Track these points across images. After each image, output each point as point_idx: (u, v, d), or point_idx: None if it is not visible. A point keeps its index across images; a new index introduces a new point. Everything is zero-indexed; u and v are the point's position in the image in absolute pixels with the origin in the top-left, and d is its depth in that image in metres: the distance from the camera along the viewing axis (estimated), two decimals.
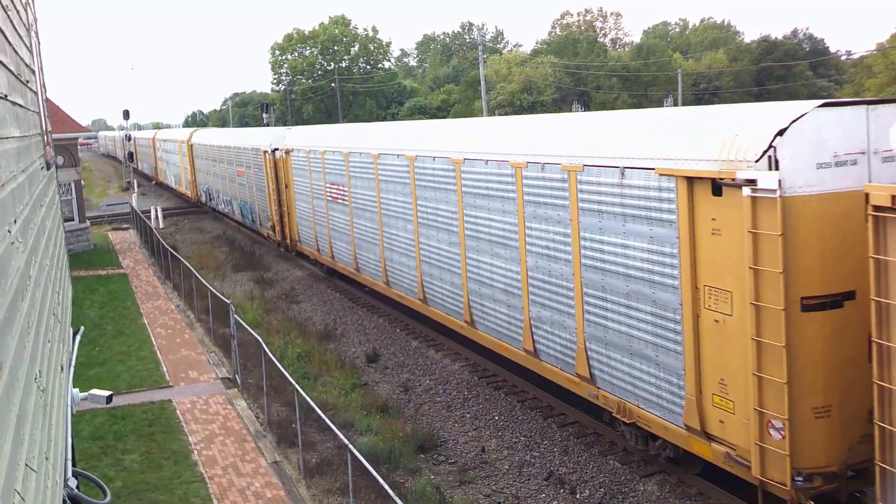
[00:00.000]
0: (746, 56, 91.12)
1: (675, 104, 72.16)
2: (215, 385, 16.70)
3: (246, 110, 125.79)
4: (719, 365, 9.74)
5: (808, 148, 8.78)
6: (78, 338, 10.27)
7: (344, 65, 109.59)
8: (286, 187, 28.02)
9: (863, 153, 8.97)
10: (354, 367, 17.93)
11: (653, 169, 10.48)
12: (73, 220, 32.75)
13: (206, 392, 16.25)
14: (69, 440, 6.85)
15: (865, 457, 8.86)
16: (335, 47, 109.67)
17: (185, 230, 41.69)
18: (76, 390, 8.08)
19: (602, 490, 11.93)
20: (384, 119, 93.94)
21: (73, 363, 9.14)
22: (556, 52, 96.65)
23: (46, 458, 4.77)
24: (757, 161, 8.88)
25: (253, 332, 15.82)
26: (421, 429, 14.25)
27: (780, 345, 8.75)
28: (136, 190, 52.10)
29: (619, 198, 11.22)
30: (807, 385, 8.88)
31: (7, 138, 5.05)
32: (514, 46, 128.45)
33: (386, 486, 9.18)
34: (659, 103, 78.15)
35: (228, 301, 18.00)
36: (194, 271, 22.61)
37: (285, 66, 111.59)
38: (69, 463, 6.27)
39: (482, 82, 60.00)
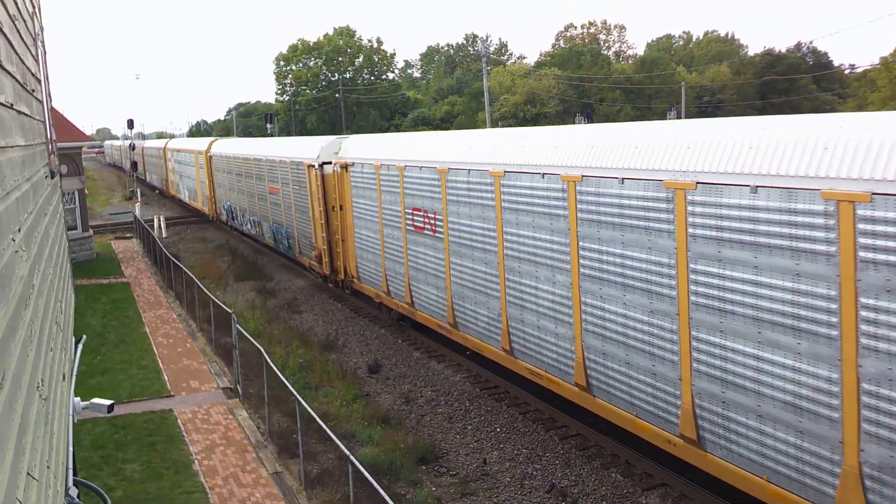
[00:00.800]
0: (750, 69, 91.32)
1: (679, 117, 72.26)
2: (216, 395, 16.68)
3: (250, 120, 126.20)
4: None
5: None
6: (80, 346, 10.28)
7: (348, 76, 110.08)
8: (339, 209, 23.23)
9: None
10: (356, 377, 17.90)
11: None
12: (76, 228, 32.81)
13: (207, 402, 16.23)
14: (70, 449, 6.85)
15: None
16: (339, 58, 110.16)
17: (188, 239, 41.74)
18: (78, 399, 8.09)
19: (604, 503, 11.88)
20: (387, 130, 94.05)
21: (75, 372, 9.15)
22: (560, 65, 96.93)
23: (48, 467, 4.77)
24: None
25: (254, 341, 15.81)
26: (422, 440, 14.21)
27: None
28: (139, 199, 52.10)
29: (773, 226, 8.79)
30: None
31: (12, 147, 5.07)
32: (518, 58, 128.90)
33: (387, 498, 9.15)
34: (662, 116, 78.29)
35: (230, 311, 18.00)
36: (196, 280, 22.62)
37: (290, 76, 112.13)
38: (70, 472, 6.26)
39: (486, 94, 60.13)
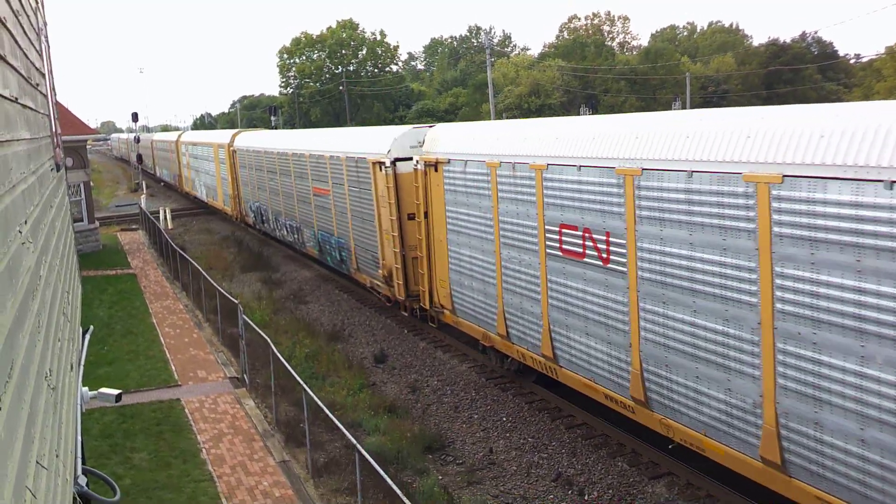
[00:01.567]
0: (755, 59, 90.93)
1: (684, 108, 72.04)
2: (224, 384, 16.76)
3: (254, 113, 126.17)
4: None
5: None
6: (87, 337, 10.34)
7: (352, 68, 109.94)
8: (422, 218, 17.76)
9: None
10: (362, 367, 17.96)
11: None
12: (82, 220, 32.90)
13: (214, 391, 16.31)
14: (79, 438, 6.90)
15: None
16: (343, 51, 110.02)
17: (194, 231, 41.82)
18: (86, 389, 8.14)
19: (610, 492, 11.93)
20: (392, 123, 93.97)
21: (83, 362, 9.21)
22: (564, 56, 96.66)
23: (57, 456, 4.82)
24: None
25: (261, 332, 15.87)
26: (428, 429, 14.27)
27: None
28: (145, 191, 52.18)
29: None
30: None
31: (17, 140, 5.10)
32: (522, 50, 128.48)
33: (394, 486, 9.20)
34: (667, 106, 78.07)
35: (237, 301, 18.06)
36: (203, 271, 22.68)
37: (293, 69, 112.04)
38: (79, 461, 6.32)
39: (490, 85, 60.02)
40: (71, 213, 15.50)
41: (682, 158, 10.14)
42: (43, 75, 8.93)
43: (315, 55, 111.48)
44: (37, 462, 3.74)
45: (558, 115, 74.39)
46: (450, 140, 16.77)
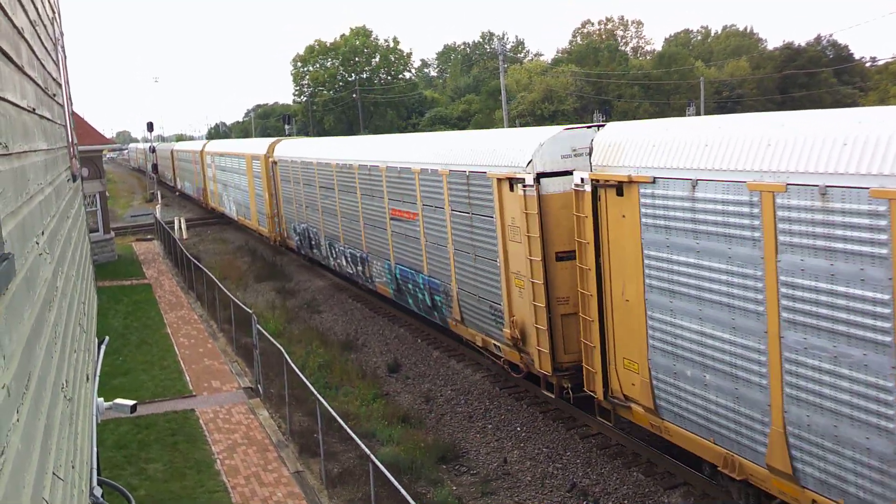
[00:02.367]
0: (769, 63, 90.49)
1: (698, 112, 71.78)
2: (238, 395, 16.78)
3: (268, 122, 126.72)
4: None
5: None
6: (103, 347, 10.38)
7: (365, 76, 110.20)
8: (591, 264, 12.52)
9: None
10: (376, 377, 17.94)
11: None
12: (97, 231, 33.11)
13: (228, 401, 16.33)
14: (94, 449, 6.91)
15: None
16: (356, 58, 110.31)
17: (209, 241, 42.00)
18: (101, 399, 8.17)
19: (626, 502, 11.84)
20: (405, 130, 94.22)
21: (98, 373, 9.23)
22: (578, 61, 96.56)
23: (73, 467, 4.82)
24: None
25: (275, 341, 15.89)
26: (442, 439, 14.22)
27: None
28: (160, 201, 52.45)
29: None
30: None
31: (35, 151, 5.12)
32: (535, 56, 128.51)
33: (408, 497, 9.16)
34: (682, 111, 77.80)
35: (251, 311, 18.10)
36: (217, 281, 22.76)
37: (307, 77, 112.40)
38: (94, 472, 6.32)
39: (503, 92, 60.02)
40: (87, 223, 15.58)
41: None
42: (59, 85, 8.99)
43: (329, 63, 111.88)
44: (53, 473, 3.73)
45: (571, 122, 74.23)
46: (651, 147, 11.02)
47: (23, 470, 2.88)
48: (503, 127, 58.99)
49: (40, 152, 5.53)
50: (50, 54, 7.79)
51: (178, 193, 69.88)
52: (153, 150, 66.88)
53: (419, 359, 19.20)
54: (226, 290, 21.38)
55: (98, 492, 5.98)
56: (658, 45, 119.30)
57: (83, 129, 31.03)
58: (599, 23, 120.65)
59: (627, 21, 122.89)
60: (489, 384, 16.99)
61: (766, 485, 9.69)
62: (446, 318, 17.95)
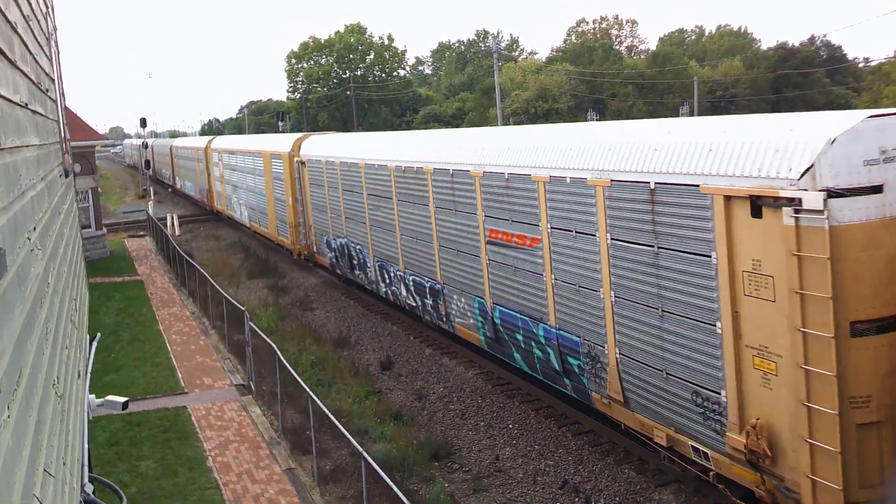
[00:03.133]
0: (763, 63, 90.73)
1: (692, 112, 71.92)
2: (230, 392, 16.75)
3: (262, 118, 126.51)
4: None
5: None
6: (94, 344, 10.36)
7: (359, 73, 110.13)
8: None
9: None
10: (368, 374, 17.94)
11: None
12: (90, 227, 33.00)
13: (220, 399, 16.31)
14: (86, 446, 6.89)
15: None
16: (350, 55, 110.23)
17: (201, 237, 41.91)
18: (92, 396, 8.15)
19: (617, 499, 11.87)
20: (399, 127, 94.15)
21: (90, 369, 9.21)
22: (572, 60, 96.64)
23: (64, 464, 4.81)
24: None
25: (267, 339, 15.87)
26: (435, 436, 14.24)
27: None
28: (152, 197, 52.30)
29: None
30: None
31: (27, 146, 5.10)
32: (530, 54, 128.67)
33: (400, 494, 9.17)
34: (675, 111, 77.94)
35: (243, 308, 18.08)
36: (209, 278, 22.72)
37: (301, 74, 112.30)
38: (86, 468, 6.31)
39: (497, 90, 60.04)
40: (79, 219, 15.54)
41: None
42: (52, 80, 8.96)
43: (323, 60, 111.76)
44: (44, 470, 3.73)
45: (566, 121, 74.34)
46: None
47: (13, 467, 2.88)
48: (497, 125, 58.90)
49: (32, 147, 5.51)
50: (43, 49, 7.76)
51: (170, 190, 69.57)
52: (146, 145, 66.62)
53: (412, 356, 19.21)
54: (218, 287, 21.34)
55: (89, 489, 5.97)
56: (652, 45, 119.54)
57: (76, 124, 30.92)
58: (594, 22, 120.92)
59: (622, 20, 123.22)
60: (481, 381, 17.01)
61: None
62: (589, 391, 12.80)
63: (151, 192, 54.32)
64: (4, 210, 3.53)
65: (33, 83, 6.14)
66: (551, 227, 13.03)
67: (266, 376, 16.66)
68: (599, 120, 70.07)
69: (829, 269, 8.17)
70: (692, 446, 10.62)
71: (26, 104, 5.27)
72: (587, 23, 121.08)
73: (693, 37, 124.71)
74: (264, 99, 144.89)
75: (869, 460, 8.52)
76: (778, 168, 8.68)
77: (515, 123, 77.31)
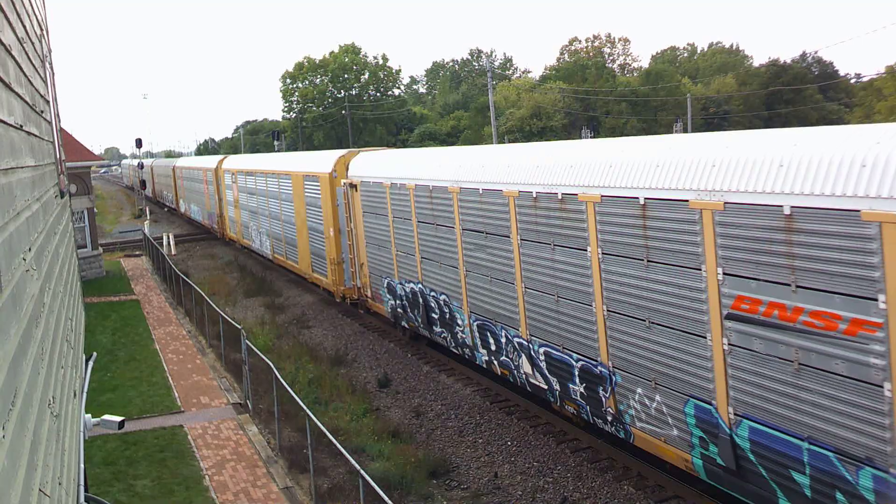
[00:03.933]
0: (755, 80, 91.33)
1: (685, 129, 72.27)
2: (227, 410, 16.69)
3: (257, 138, 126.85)
4: None
5: None
6: (90, 364, 10.33)
7: (354, 92, 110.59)
8: None
9: None
10: (366, 391, 17.90)
11: None
12: (85, 247, 32.98)
13: (217, 417, 16.25)
14: (82, 465, 6.87)
15: None
16: (345, 75, 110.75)
17: (197, 256, 41.88)
18: (88, 416, 8.13)
19: None
20: (394, 146, 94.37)
21: (86, 389, 9.19)
22: (565, 78, 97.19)
23: (60, 484, 4.79)
24: None
25: (264, 357, 15.84)
26: (433, 454, 14.18)
27: None
28: (148, 217, 52.28)
29: None
30: None
31: (22, 168, 5.12)
32: (523, 73, 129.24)
33: None
34: (668, 128, 78.29)
35: (240, 326, 18.05)
36: (206, 297, 22.69)
37: (296, 94, 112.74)
38: (82, 488, 6.29)
39: (491, 108, 60.29)
40: (74, 239, 15.54)
41: None
42: (47, 102, 9.00)
43: (318, 79, 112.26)
44: (40, 490, 3.72)
45: (561, 138, 74.56)
46: None
47: (8, 487, 2.87)
48: (492, 143, 59.09)
49: (28, 169, 5.53)
50: (38, 71, 7.79)
51: (165, 210, 69.48)
52: (141, 165, 66.77)
53: (409, 373, 19.17)
54: (214, 306, 21.31)
55: None
56: (645, 62, 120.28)
57: (71, 145, 30.99)
58: (587, 40, 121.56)
59: (614, 38, 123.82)
60: (479, 398, 16.98)
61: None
62: None
63: (147, 212, 54.33)
64: (0, 231, 3.54)
65: (28, 105, 6.16)
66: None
67: (263, 395, 16.61)
68: (594, 137, 70.19)
69: None
70: None
71: (21, 126, 5.30)
72: (580, 41, 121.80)
73: (685, 54, 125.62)
74: (259, 118, 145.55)
75: None
76: None
77: (511, 141, 77.59)
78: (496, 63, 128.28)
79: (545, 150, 13.99)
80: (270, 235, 32.17)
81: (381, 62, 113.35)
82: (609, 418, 12.27)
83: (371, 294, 22.02)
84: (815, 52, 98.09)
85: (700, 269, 9.87)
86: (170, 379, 19.00)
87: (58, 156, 10.15)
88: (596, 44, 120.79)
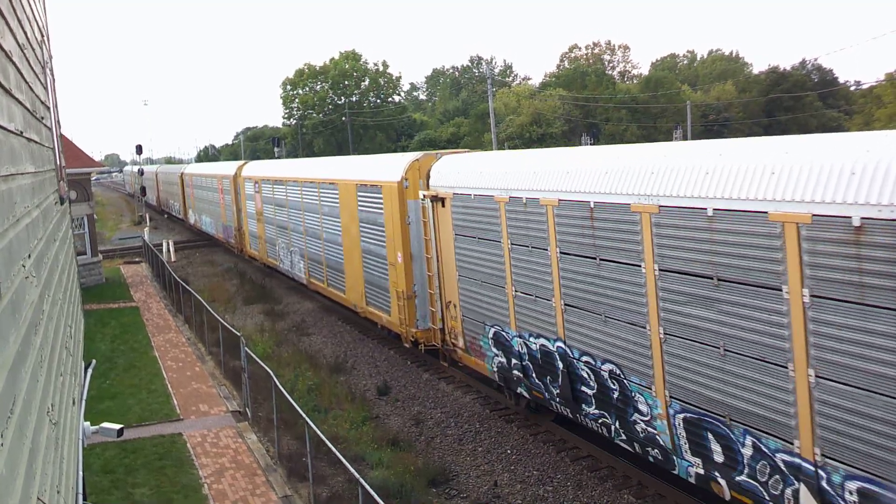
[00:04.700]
0: (755, 87, 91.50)
1: (685, 136, 72.35)
2: (226, 418, 16.65)
3: (258, 144, 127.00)
4: None
5: None
6: (90, 371, 10.30)
7: (354, 99, 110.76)
8: None
9: None
10: (365, 399, 17.85)
11: None
12: (85, 254, 32.96)
13: (216, 425, 16.20)
14: (80, 473, 6.83)
15: None
16: (346, 82, 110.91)
17: (197, 263, 41.85)
18: (87, 423, 8.10)
19: None
20: (394, 153, 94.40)
21: (85, 396, 9.15)
22: (565, 85, 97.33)
23: (58, 492, 4.76)
24: None
25: (263, 364, 15.80)
26: (432, 462, 14.14)
27: None
28: (148, 224, 52.26)
29: None
30: None
31: (22, 174, 5.11)
32: (523, 79, 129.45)
33: None
34: (668, 135, 78.38)
35: (239, 334, 18.01)
36: (205, 304, 22.66)
37: (296, 100, 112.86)
38: (80, 497, 6.25)
39: (491, 115, 60.38)
40: (74, 246, 15.52)
41: None
42: (48, 108, 8.99)
43: (318, 86, 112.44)
44: (38, 498, 3.69)
45: (560, 145, 74.61)
46: None
47: (7, 495, 2.85)
48: (492, 150, 59.07)
49: (28, 175, 5.52)
50: (38, 77, 7.79)
51: (165, 216, 69.44)
52: (142, 172, 66.81)
53: (409, 381, 19.13)
54: (214, 313, 21.28)
55: None
56: (645, 70, 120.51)
57: (71, 151, 31.00)
58: (587, 47, 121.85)
59: (614, 45, 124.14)
60: (479, 406, 16.94)
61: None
62: None
63: (147, 219, 54.32)
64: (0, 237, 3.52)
65: (28, 111, 6.16)
66: None
67: (262, 402, 16.56)
68: (593, 143, 70.23)
69: None
70: None
71: (21, 132, 5.29)
72: (580, 48, 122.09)
73: (685, 61, 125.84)
74: (260, 125, 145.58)
75: None
76: None
77: (511, 148, 77.66)
78: (496, 70, 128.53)
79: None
80: (306, 256, 27.05)
81: (381, 69, 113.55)
82: None
83: (465, 344, 16.73)
84: (815, 60, 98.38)
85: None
86: (169, 386, 18.95)
87: (58, 162, 10.14)
88: (596, 51, 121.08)
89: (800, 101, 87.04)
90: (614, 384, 12.00)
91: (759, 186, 9.02)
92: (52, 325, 6.16)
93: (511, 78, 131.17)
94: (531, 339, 14.18)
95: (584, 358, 12.64)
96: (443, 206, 16.81)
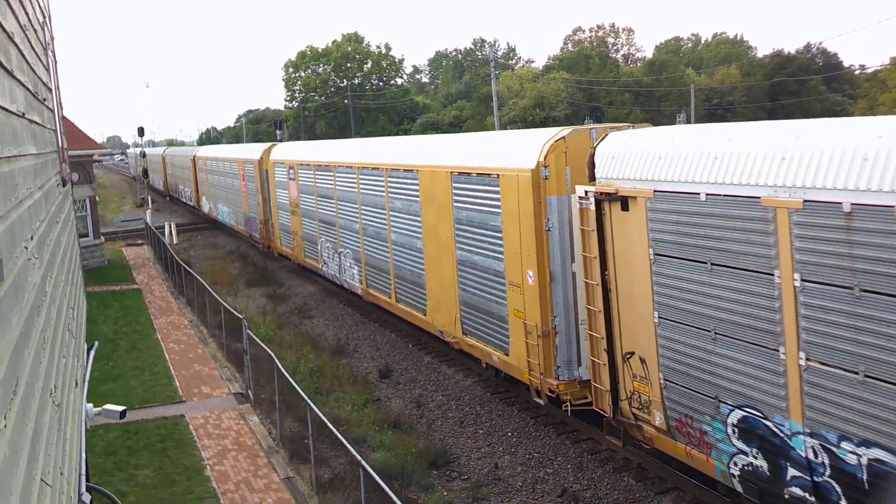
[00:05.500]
0: (759, 71, 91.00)
1: (689, 120, 72.06)
2: (228, 400, 16.72)
3: (259, 127, 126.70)
4: None
5: None
6: (92, 353, 10.34)
7: (357, 81, 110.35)
8: None
9: None
10: (367, 382, 17.91)
11: None
12: (87, 236, 32.99)
13: (218, 407, 16.27)
14: (83, 455, 6.88)
15: None
16: (348, 64, 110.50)
17: (199, 245, 41.88)
18: (90, 405, 8.13)
19: None
20: (396, 135, 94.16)
21: (87, 378, 9.19)
22: (569, 68, 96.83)
23: (61, 473, 4.79)
24: None
25: (265, 347, 15.85)
26: (433, 445, 14.20)
27: None
28: (150, 206, 52.23)
29: None
30: None
31: (24, 156, 5.10)
32: (527, 62, 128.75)
33: (399, 503, 9.14)
34: (672, 118, 78.08)
35: (241, 316, 18.06)
36: (207, 287, 22.70)
37: (299, 83, 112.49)
38: (83, 478, 6.29)
39: (494, 98, 60.15)
40: (76, 228, 15.53)
41: None
42: (50, 90, 8.97)
43: (320, 69, 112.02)
44: (41, 479, 3.72)
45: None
46: None
47: (10, 476, 2.87)
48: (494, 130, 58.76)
49: (30, 157, 5.51)
50: (40, 59, 7.76)
51: (168, 199, 69.36)
52: (143, 154, 66.68)
53: (410, 364, 19.18)
54: (216, 296, 21.32)
55: (87, 498, 5.95)
56: (649, 53, 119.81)
57: (73, 133, 30.95)
58: (590, 30, 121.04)
59: (618, 28, 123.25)
60: (480, 389, 16.99)
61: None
62: None
63: (149, 201, 54.31)
64: (1, 219, 3.53)
65: (30, 93, 6.14)
66: None
67: (264, 385, 16.63)
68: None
69: None
70: None
71: (23, 114, 5.27)
72: (583, 31, 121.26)
73: (689, 45, 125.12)
74: (262, 108, 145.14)
75: None
76: None
77: (513, 130, 77.30)
78: (499, 53, 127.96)
79: None
80: (363, 261, 22.07)
81: (383, 51, 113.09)
82: None
83: (665, 422, 11.09)
84: (820, 44, 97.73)
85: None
86: (171, 368, 19.02)
87: (60, 144, 10.13)
88: (599, 34, 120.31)
89: (804, 86, 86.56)
90: None
91: None
92: (55, 307, 6.18)
93: (514, 61, 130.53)
94: (846, 446, 8.23)
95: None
96: (625, 208, 11.35)
